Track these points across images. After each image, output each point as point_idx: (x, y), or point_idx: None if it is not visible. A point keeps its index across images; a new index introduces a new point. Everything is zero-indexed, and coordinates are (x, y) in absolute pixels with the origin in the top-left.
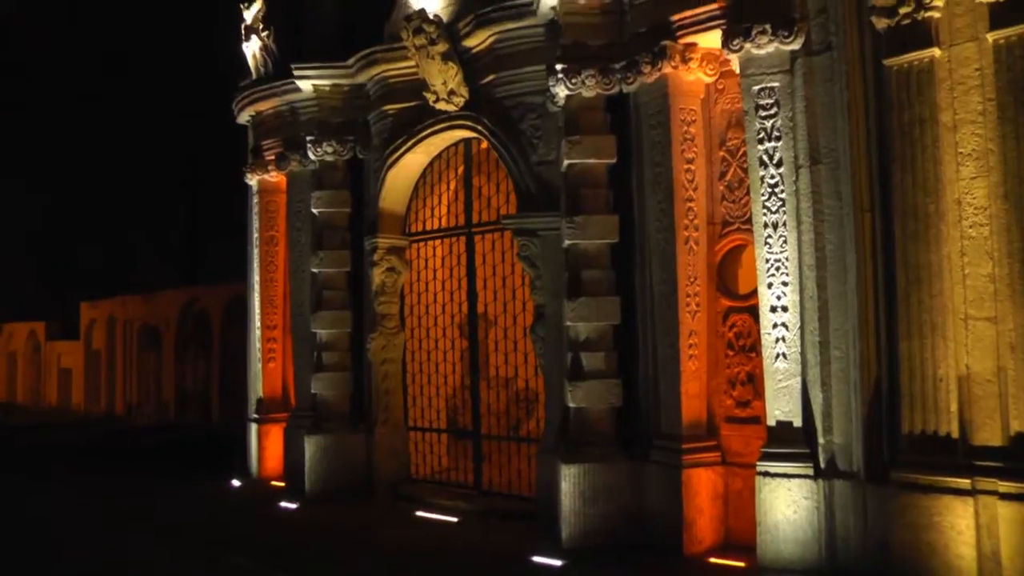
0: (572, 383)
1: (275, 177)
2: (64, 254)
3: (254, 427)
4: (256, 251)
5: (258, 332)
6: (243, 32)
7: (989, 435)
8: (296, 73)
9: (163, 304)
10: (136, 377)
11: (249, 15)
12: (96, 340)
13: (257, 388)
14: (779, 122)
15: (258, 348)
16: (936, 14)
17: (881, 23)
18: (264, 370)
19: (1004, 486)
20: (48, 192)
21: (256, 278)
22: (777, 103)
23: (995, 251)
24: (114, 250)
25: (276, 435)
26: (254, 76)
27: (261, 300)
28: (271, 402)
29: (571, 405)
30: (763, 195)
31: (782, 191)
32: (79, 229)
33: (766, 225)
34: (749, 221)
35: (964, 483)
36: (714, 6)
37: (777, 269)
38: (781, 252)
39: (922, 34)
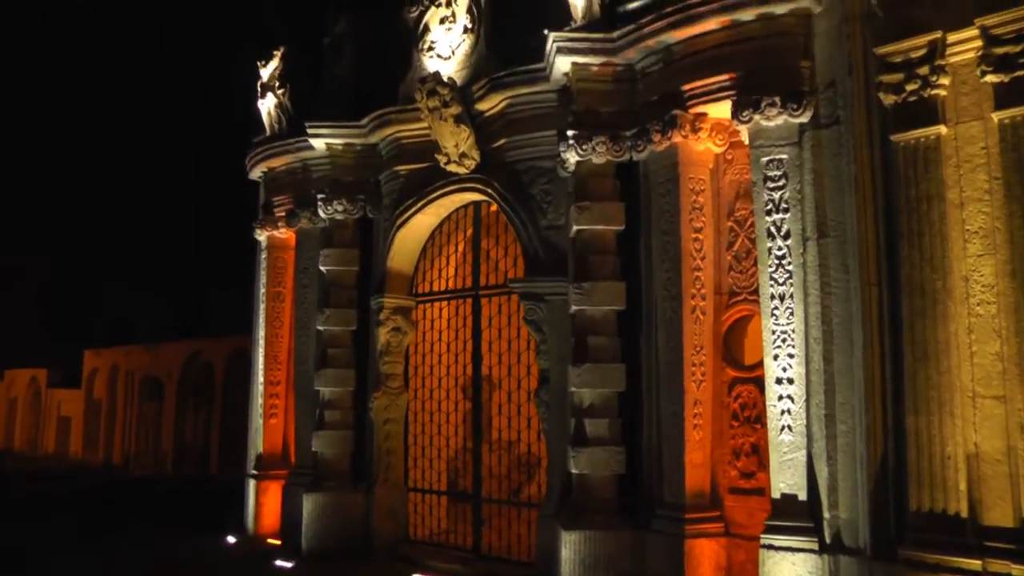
0: (575, 449)
1: (284, 233)
2: (70, 302)
3: (252, 483)
4: (262, 306)
5: (261, 388)
6: (259, 89)
7: (1000, 516)
8: (310, 131)
9: (167, 355)
10: (136, 428)
11: (266, 73)
12: (97, 389)
13: (257, 444)
14: (787, 194)
15: (260, 404)
16: (942, 92)
17: (888, 99)
18: (265, 426)
19: (1017, 569)
20: (57, 240)
21: (261, 333)
22: (785, 175)
23: (1003, 329)
24: (119, 299)
25: (274, 492)
26: (268, 133)
27: (265, 356)
28: (271, 458)
29: (573, 471)
30: (770, 266)
31: (789, 263)
32: (85, 277)
33: (773, 296)
34: (756, 292)
35: (975, 564)
36: (724, 77)
37: (783, 341)
38: (788, 324)
39: (928, 111)
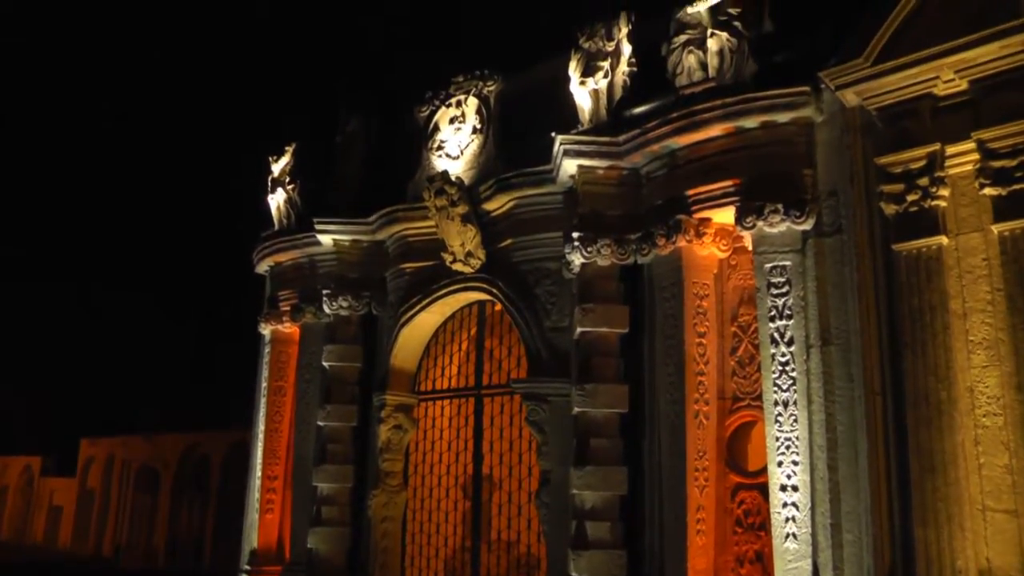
0: (576, 552)
1: (288, 328)
2: (69, 389)
3: None
4: (263, 400)
5: (258, 482)
6: (269, 184)
7: None
8: (318, 227)
9: (165, 446)
10: (129, 519)
11: (277, 168)
12: (92, 478)
13: (252, 539)
14: (790, 301)
15: (256, 498)
16: (942, 203)
17: (890, 209)
18: (261, 521)
19: None
20: (56, 327)
21: (261, 427)
22: (789, 282)
23: (1011, 442)
24: (119, 388)
25: None
26: (276, 227)
27: (264, 450)
28: (265, 554)
29: (573, 574)
30: (774, 373)
31: (793, 370)
32: (86, 365)
33: (776, 403)
34: (760, 398)
35: None
36: (728, 183)
37: (787, 448)
38: (792, 431)
39: (929, 222)
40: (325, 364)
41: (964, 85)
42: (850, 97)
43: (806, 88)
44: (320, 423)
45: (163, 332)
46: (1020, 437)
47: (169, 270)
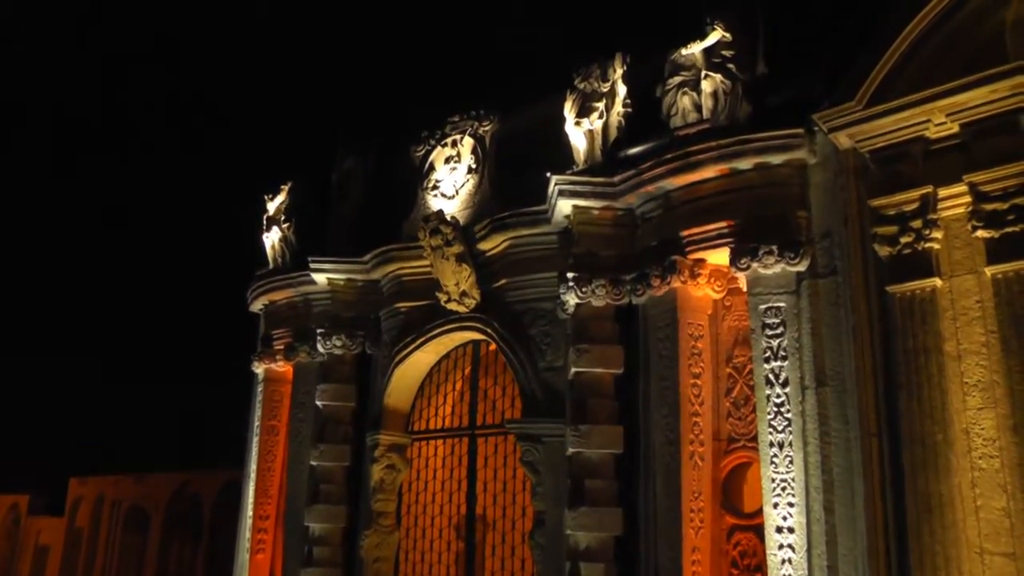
0: None
1: (282, 367)
2: (59, 427)
3: None
4: (256, 439)
5: (249, 522)
6: (264, 222)
7: None
8: (313, 266)
9: (155, 486)
10: (117, 560)
11: (272, 206)
12: (80, 518)
13: None
14: (785, 342)
15: (247, 538)
16: (936, 245)
17: (883, 251)
18: (251, 562)
19: None
20: (45, 363)
21: (253, 467)
22: (783, 323)
23: (1008, 484)
24: (111, 426)
25: None
26: (271, 266)
27: (256, 489)
28: None
29: None
30: (769, 414)
31: (788, 411)
32: (74, 402)
33: (772, 444)
34: (755, 439)
35: None
36: (723, 224)
37: (783, 489)
38: (787, 472)
39: (923, 264)
40: (319, 403)
41: (955, 128)
42: (843, 140)
43: (800, 130)
44: (313, 462)
45: (155, 370)
46: (1017, 480)
47: (161, 307)
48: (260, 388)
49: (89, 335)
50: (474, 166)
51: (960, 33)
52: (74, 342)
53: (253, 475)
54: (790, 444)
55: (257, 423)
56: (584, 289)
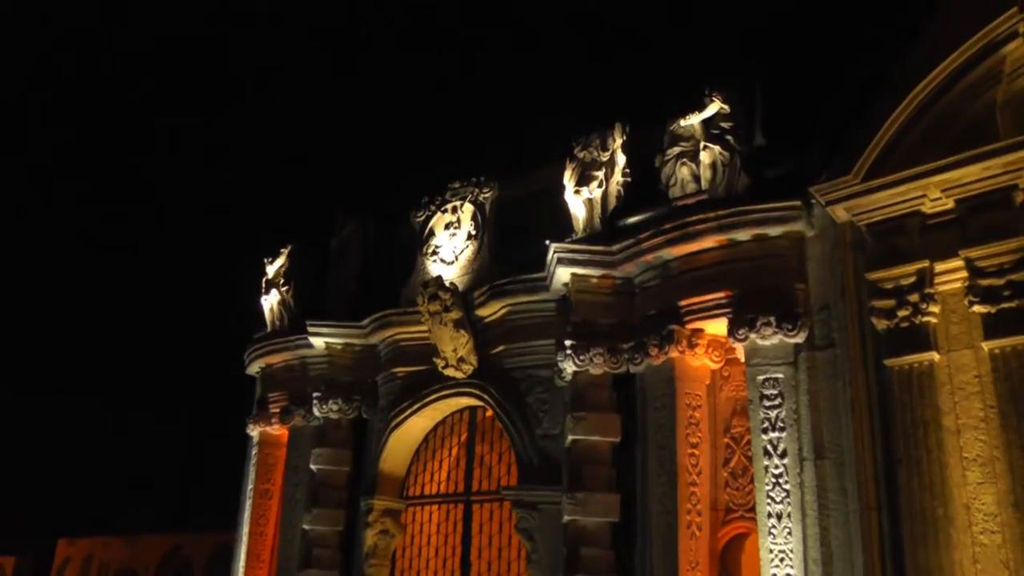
0: None
1: (277, 430)
2: (47, 487)
3: None
4: (249, 502)
5: None
6: (263, 285)
7: None
8: (310, 330)
9: (146, 549)
10: None
11: (271, 269)
12: None
13: None
14: (783, 413)
15: None
16: (933, 319)
17: (881, 324)
18: None
19: None
20: (37, 423)
21: (245, 530)
22: (781, 394)
23: (1011, 560)
24: (99, 487)
25: None
26: (269, 329)
27: (248, 553)
28: None
29: None
30: (767, 485)
31: (786, 482)
32: (65, 463)
33: (770, 515)
34: (753, 509)
35: None
36: (721, 295)
37: (782, 560)
38: (786, 543)
39: (920, 338)
40: (313, 467)
41: (951, 204)
42: (840, 213)
43: (797, 202)
44: (306, 527)
45: (148, 430)
46: (1019, 555)
47: (157, 369)
48: (254, 451)
49: (82, 394)
50: (474, 232)
51: (953, 110)
52: (67, 400)
53: (245, 538)
54: (788, 515)
55: (250, 486)
56: (582, 357)
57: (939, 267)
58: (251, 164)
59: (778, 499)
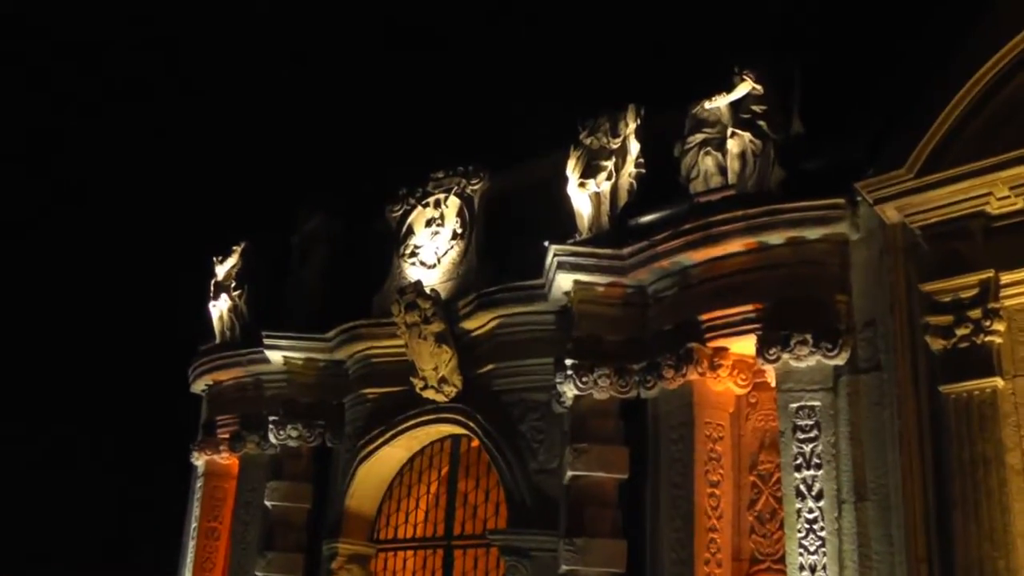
0: None
1: (227, 459)
2: None
3: None
4: (192, 543)
5: None
6: (212, 289)
7: None
8: (267, 342)
9: None
10: None
11: (222, 271)
12: None
13: None
14: (820, 448)
15: None
16: (997, 339)
17: (936, 344)
18: None
19: None
20: None
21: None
22: (818, 425)
23: None
24: (16, 523)
25: None
26: (218, 340)
27: None
28: None
29: None
30: (800, 532)
31: (822, 529)
32: None
33: (803, 567)
34: (782, 560)
35: None
36: (749, 308)
37: None
38: None
39: (982, 361)
40: (268, 504)
41: (1021, 203)
42: (891, 213)
43: (840, 200)
44: (259, 573)
45: (72, 458)
46: None
47: (86, 386)
48: (199, 483)
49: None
50: (460, 231)
51: None
52: None
53: None
54: (824, 567)
55: (194, 524)
56: (585, 379)
57: (1005, 278)
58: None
59: (812, 548)
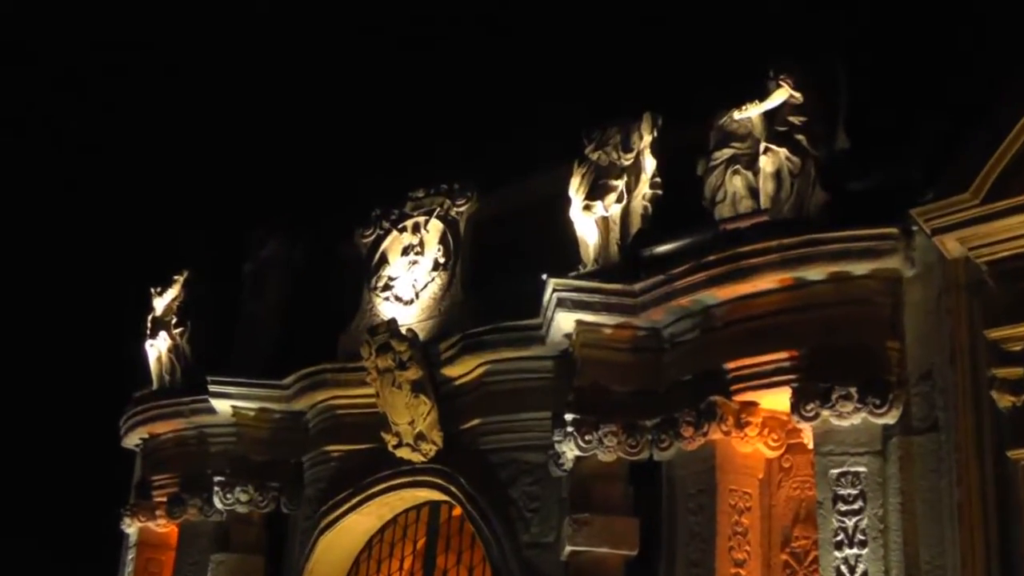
0: None
1: (164, 527)
2: None
3: None
4: None
5: None
6: (148, 325)
7: None
8: (212, 388)
9: None
10: None
11: (160, 304)
12: None
13: None
14: (865, 522)
15: None
16: None
17: (1004, 401)
18: None
19: None
20: None
21: None
22: (863, 495)
23: None
24: None
25: None
26: (155, 385)
27: None
28: None
29: None
30: None
31: None
32: None
33: None
34: None
35: None
36: (783, 355)
37: None
38: None
39: None
40: None
41: None
42: (952, 245)
43: (893, 230)
44: None
45: None
46: None
47: None
48: (131, 555)
49: None
50: (442, 260)
51: None
52: None
53: None
54: None
55: None
56: (588, 437)
57: None
58: (136, 161)
59: None
